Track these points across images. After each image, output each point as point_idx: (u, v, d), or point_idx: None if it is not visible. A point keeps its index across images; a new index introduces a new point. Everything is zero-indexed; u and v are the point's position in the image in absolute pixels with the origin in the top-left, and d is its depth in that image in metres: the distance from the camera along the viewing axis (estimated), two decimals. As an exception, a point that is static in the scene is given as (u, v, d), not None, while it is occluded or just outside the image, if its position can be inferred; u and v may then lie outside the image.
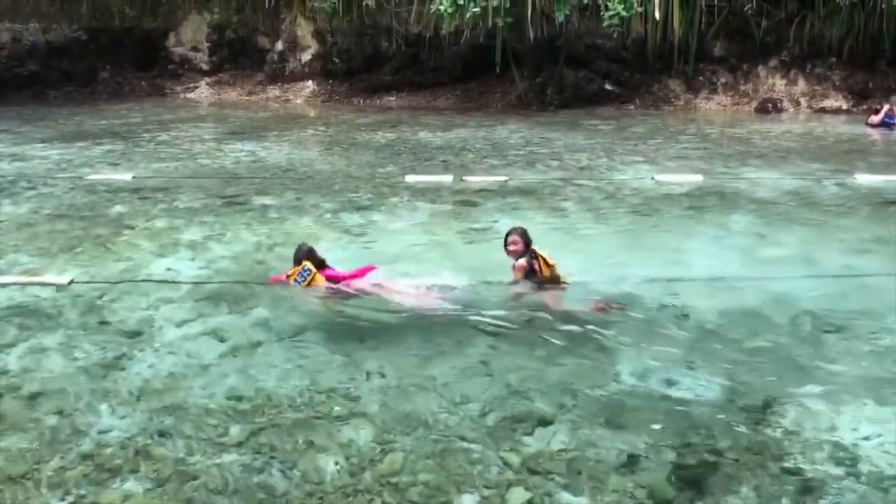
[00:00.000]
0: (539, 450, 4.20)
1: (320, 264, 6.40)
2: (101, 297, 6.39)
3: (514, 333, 5.70)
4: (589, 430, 4.38)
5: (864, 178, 10.43)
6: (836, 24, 16.29)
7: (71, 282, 6.71)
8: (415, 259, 7.20)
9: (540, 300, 6.24)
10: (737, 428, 4.39)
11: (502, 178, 10.59)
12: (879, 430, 4.36)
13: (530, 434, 4.36)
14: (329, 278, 6.36)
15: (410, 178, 10.62)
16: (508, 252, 6.40)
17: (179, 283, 6.75)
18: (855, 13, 15.98)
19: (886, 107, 14.97)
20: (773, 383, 4.90)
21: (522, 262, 6.30)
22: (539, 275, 6.31)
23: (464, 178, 10.66)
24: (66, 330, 5.79)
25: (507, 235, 6.47)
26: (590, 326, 5.76)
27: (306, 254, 6.42)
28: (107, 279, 6.80)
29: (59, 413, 4.62)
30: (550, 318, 5.94)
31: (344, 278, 6.39)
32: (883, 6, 15.49)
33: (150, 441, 4.31)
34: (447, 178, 10.64)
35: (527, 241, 6.39)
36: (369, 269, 6.51)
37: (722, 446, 4.22)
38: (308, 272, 6.28)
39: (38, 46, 19.78)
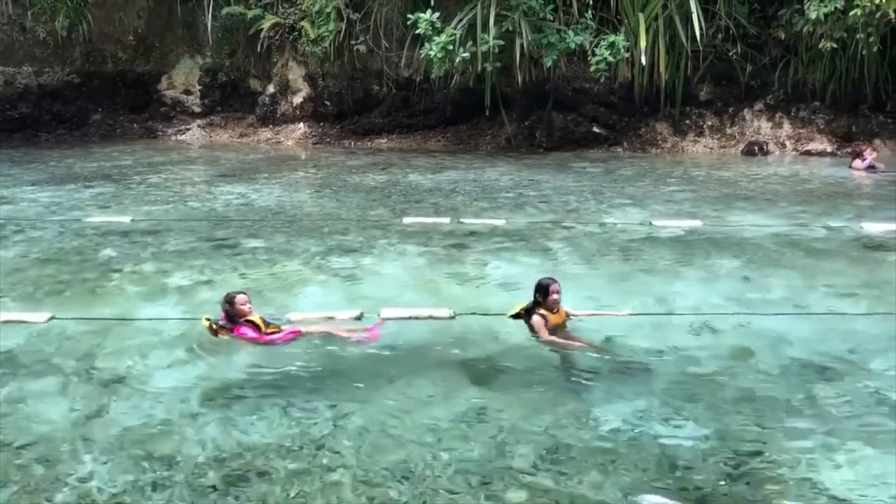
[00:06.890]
0: (524, 498, 4.15)
1: (238, 317, 6.26)
2: (83, 342, 6.33)
3: (497, 378, 5.68)
4: (575, 477, 4.34)
5: (868, 226, 10.24)
6: (819, 69, 16.60)
7: (51, 318, 6.70)
8: (402, 301, 7.18)
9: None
10: (723, 473, 4.35)
11: (497, 222, 10.59)
12: (866, 478, 4.33)
13: (515, 482, 4.30)
14: (241, 336, 6.21)
15: (402, 220, 10.65)
16: (550, 301, 6.29)
17: (152, 319, 6.72)
18: (837, 59, 16.30)
19: (872, 155, 15.06)
20: (759, 427, 4.89)
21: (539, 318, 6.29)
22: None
23: (459, 220, 10.68)
24: (50, 376, 5.72)
25: (549, 285, 6.31)
26: (576, 371, 5.75)
27: (224, 303, 6.36)
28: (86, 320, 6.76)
29: (43, 461, 4.54)
30: (536, 362, 5.92)
31: (263, 339, 6.21)
32: (863, 53, 15.81)
33: (132, 492, 4.23)
34: (438, 220, 10.68)
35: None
36: (295, 332, 6.31)
37: (708, 492, 4.18)
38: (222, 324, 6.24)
39: (31, 89, 19.88)
